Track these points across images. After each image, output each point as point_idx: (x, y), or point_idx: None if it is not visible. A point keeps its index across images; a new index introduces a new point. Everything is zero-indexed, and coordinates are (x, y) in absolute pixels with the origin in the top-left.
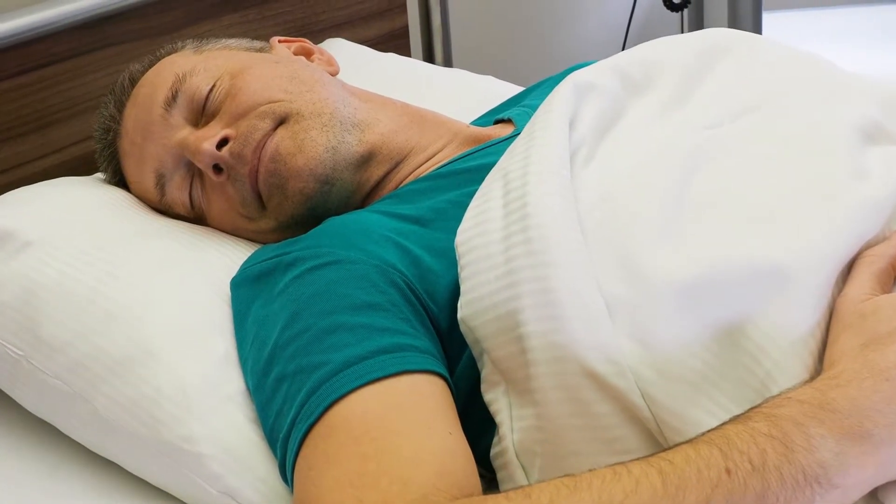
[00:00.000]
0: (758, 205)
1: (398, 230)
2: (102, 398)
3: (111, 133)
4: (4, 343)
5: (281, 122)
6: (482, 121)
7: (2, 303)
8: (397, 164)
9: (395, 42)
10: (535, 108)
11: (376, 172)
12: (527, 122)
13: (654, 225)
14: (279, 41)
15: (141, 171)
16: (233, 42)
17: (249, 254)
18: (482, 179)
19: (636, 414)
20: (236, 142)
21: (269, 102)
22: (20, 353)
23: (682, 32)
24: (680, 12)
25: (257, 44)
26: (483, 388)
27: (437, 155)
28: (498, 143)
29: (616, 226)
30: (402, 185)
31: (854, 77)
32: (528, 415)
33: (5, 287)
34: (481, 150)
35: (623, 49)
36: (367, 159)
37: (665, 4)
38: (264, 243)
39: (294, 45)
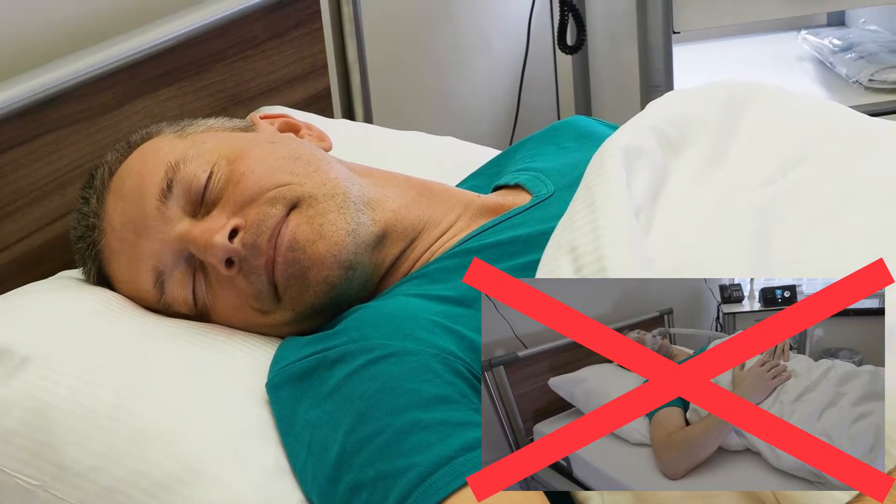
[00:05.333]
0: (846, 264)
1: (444, 314)
2: None
3: (95, 231)
4: (13, 474)
5: (293, 206)
6: (469, 185)
7: (6, 430)
8: (412, 242)
9: (320, 104)
10: (539, 170)
11: (391, 252)
12: (542, 187)
13: None
14: (261, 118)
15: (135, 269)
16: (213, 122)
17: (271, 350)
18: (519, 253)
19: None
20: (248, 232)
21: (278, 187)
22: (35, 483)
23: (571, 72)
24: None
25: (239, 122)
26: None
27: (451, 228)
28: (520, 212)
29: None
30: (419, 263)
31: (876, 121)
32: (623, 498)
33: (9, 412)
34: (504, 221)
35: (520, 92)
36: (381, 239)
37: (560, 47)
38: (279, 337)
39: (278, 122)
